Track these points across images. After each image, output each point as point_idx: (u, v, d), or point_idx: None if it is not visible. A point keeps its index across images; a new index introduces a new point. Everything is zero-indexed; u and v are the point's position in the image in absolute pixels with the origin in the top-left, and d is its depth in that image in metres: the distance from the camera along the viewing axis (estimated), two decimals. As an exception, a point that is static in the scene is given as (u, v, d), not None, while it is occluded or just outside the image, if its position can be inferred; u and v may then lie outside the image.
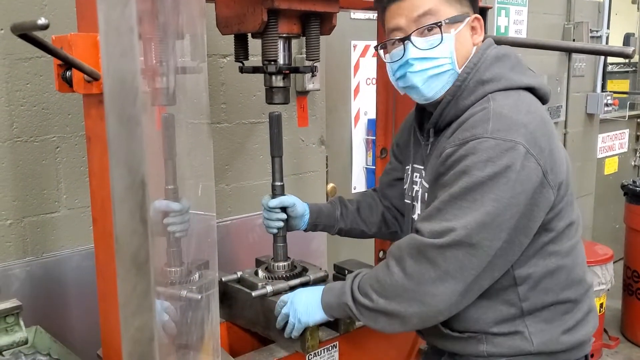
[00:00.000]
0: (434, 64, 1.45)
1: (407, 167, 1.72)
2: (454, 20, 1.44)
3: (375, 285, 1.44)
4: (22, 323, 1.52)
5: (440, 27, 1.42)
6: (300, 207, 1.87)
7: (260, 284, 1.81)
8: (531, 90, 1.48)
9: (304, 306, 1.62)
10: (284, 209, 1.86)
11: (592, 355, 3.86)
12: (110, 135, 0.54)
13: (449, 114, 1.47)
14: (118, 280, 0.56)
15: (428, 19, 1.43)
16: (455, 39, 1.44)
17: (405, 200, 1.73)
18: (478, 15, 1.49)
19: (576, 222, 1.52)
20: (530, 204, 1.34)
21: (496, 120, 1.33)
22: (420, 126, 1.65)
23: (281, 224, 1.87)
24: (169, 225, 1.54)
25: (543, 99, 1.51)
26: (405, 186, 1.73)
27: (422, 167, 1.60)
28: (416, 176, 1.65)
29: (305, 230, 1.93)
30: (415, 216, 1.62)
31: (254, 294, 1.77)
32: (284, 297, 1.70)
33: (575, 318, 1.51)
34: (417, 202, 1.62)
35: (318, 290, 1.63)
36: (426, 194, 1.54)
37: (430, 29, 1.43)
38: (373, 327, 1.48)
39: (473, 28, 1.49)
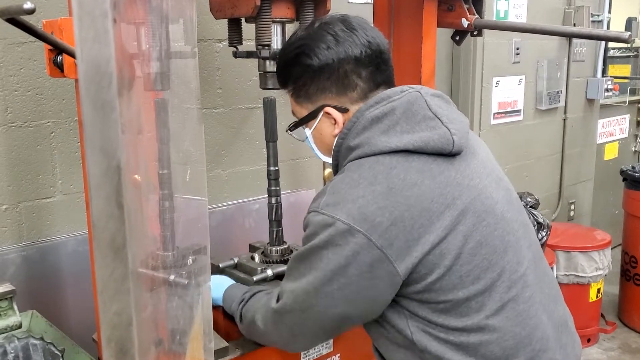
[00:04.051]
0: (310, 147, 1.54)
1: None
2: (306, 120, 1.46)
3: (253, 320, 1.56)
4: (15, 307, 1.53)
5: (292, 128, 1.50)
6: None
7: (259, 269, 1.83)
8: (407, 150, 1.32)
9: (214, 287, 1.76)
10: None
11: (588, 340, 3.88)
12: (85, 120, 0.54)
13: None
14: (95, 265, 0.56)
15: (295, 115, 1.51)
16: (312, 135, 1.48)
17: None
18: (328, 109, 1.40)
19: (494, 288, 1.32)
20: (369, 278, 1.29)
21: (330, 195, 1.34)
22: None
23: None
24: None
25: (437, 152, 1.33)
26: None
27: None
28: None
29: None
30: None
31: (255, 278, 1.78)
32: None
33: None
34: None
35: (226, 283, 1.76)
36: None
37: (291, 127, 1.51)
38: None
39: (335, 119, 1.42)
